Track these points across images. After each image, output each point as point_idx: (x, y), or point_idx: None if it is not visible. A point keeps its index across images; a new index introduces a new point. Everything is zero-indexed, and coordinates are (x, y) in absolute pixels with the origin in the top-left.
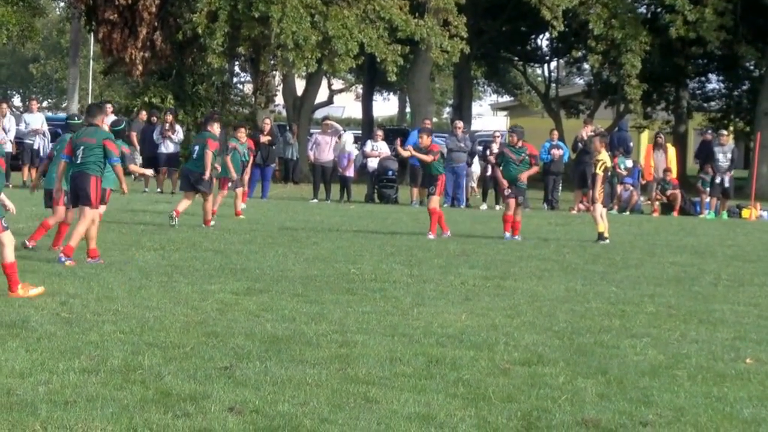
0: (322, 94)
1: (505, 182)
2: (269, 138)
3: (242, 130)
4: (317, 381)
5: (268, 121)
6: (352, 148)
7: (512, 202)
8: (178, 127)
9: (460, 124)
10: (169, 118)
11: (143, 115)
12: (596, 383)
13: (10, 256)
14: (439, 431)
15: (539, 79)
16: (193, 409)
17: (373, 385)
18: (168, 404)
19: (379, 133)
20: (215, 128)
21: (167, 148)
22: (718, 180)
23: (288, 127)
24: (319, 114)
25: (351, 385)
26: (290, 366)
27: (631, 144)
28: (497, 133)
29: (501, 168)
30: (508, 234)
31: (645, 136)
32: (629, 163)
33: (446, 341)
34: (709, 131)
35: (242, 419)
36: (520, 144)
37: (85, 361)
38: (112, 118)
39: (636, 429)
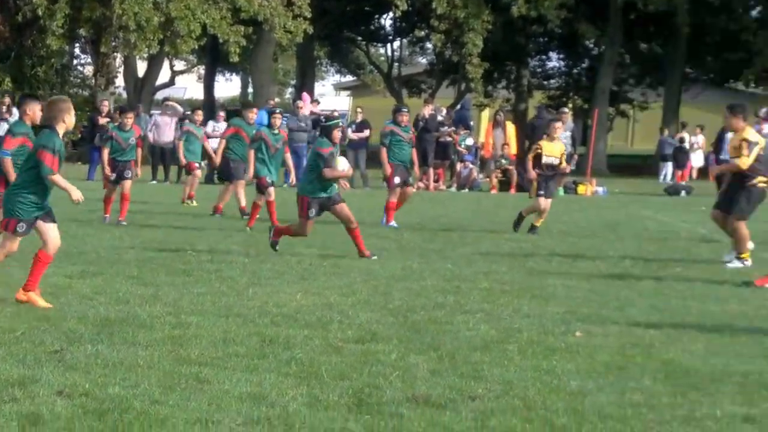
0: (163, 75)
1: (390, 168)
2: (108, 119)
3: (199, 112)
4: (149, 363)
5: (106, 102)
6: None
7: (409, 190)
8: (15, 109)
9: (301, 103)
10: (6, 100)
11: None
12: (428, 359)
13: None
14: (270, 410)
15: (382, 58)
16: (21, 394)
17: (206, 365)
18: None
19: (221, 114)
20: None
21: (2, 130)
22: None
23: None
24: (160, 95)
25: (183, 367)
26: (122, 348)
27: (472, 122)
28: (336, 113)
29: (392, 149)
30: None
31: (486, 114)
32: (470, 141)
33: (281, 321)
34: (544, 110)
35: (71, 402)
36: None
37: None
38: None
39: (465, 403)
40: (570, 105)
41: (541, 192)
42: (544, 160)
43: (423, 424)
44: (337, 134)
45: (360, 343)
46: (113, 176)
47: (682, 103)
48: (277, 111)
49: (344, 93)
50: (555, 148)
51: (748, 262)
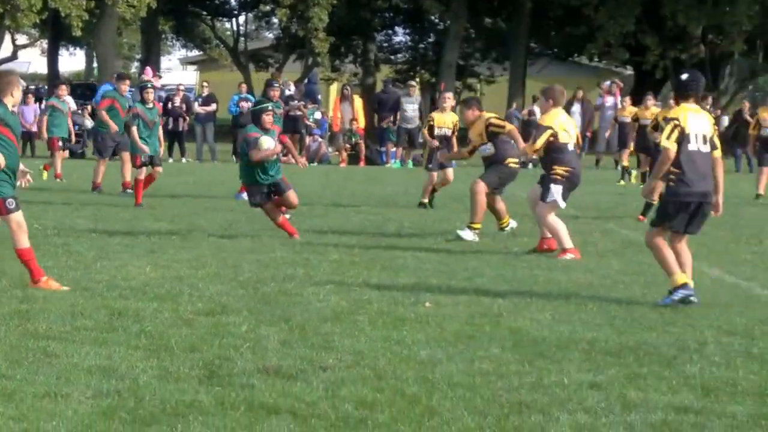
0: (6, 49)
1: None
2: None
3: (63, 87)
4: None
5: None
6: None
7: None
8: None
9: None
10: None
11: None
12: (279, 331)
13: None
14: (120, 383)
15: (228, 33)
16: None
17: (54, 339)
18: None
19: (63, 87)
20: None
21: None
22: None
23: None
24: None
25: (30, 341)
26: None
27: (320, 96)
28: (181, 87)
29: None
30: None
31: (334, 89)
32: (318, 115)
33: (129, 294)
34: (390, 84)
35: None
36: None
37: None
38: None
39: (316, 373)
40: (417, 79)
41: (430, 165)
42: (436, 132)
43: (274, 395)
44: (266, 119)
45: (210, 316)
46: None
47: (528, 77)
48: (149, 86)
49: (191, 67)
50: (446, 119)
51: (473, 235)
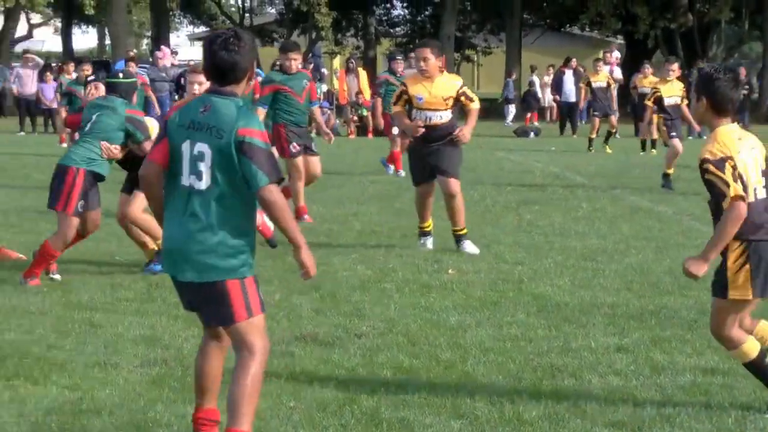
0: (21, 29)
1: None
2: None
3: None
4: (41, 309)
5: None
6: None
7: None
8: None
9: (160, 54)
10: None
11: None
12: (311, 299)
13: None
14: (165, 351)
15: (233, 9)
16: None
17: (97, 310)
18: None
19: (87, 66)
20: None
21: None
22: None
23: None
24: (19, 48)
25: (75, 312)
26: (13, 296)
27: (325, 69)
28: (192, 62)
29: (386, 99)
30: (402, 171)
31: (337, 62)
32: (324, 88)
33: None
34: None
35: None
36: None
37: None
38: None
39: (351, 340)
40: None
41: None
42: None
43: (314, 362)
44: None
45: None
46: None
47: (524, 48)
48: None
49: (198, 43)
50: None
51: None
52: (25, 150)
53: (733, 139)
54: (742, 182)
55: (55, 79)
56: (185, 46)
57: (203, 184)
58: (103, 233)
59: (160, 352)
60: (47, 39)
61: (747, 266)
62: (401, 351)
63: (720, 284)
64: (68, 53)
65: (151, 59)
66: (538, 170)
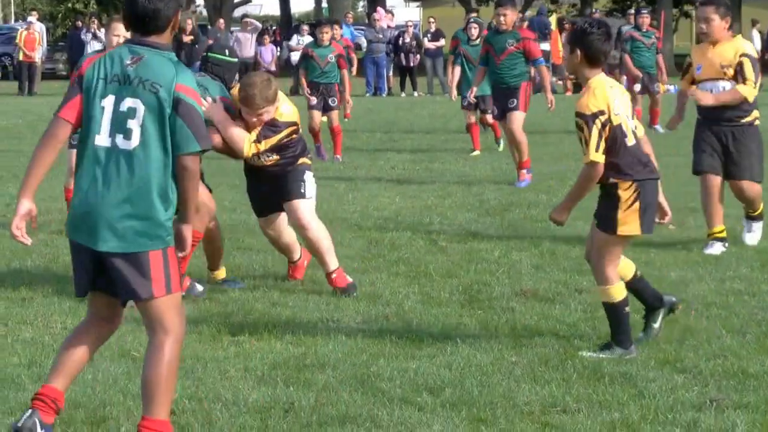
0: None
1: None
2: (191, 37)
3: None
4: (264, 267)
5: (190, 21)
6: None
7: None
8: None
9: (377, 15)
10: (96, 22)
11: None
12: (530, 255)
13: None
14: (386, 307)
15: None
16: None
17: (317, 268)
18: None
19: (305, 27)
20: None
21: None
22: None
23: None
24: (237, 12)
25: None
26: (237, 254)
27: (551, 27)
28: (410, 23)
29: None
30: None
31: (553, 20)
32: (546, 46)
33: (383, 224)
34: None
35: (195, 306)
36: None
37: None
38: None
39: (572, 296)
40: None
41: None
42: None
43: (535, 318)
44: None
45: (462, 243)
46: (314, 101)
47: (744, 2)
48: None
49: (413, 4)
50: None
51: None
52: None
53: (605, 88)
54: (621, 131)
55: (273, 42)
56: (400, 6)
57: (132, 143)
58: (326, 193)
59: (381, 308)
60: (265, 3)
61: (636, 204)
62: None
63: (609, 219)
64: (286, 17)
65: (367, 21)
66: None
